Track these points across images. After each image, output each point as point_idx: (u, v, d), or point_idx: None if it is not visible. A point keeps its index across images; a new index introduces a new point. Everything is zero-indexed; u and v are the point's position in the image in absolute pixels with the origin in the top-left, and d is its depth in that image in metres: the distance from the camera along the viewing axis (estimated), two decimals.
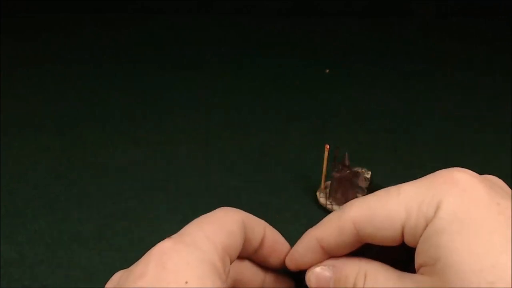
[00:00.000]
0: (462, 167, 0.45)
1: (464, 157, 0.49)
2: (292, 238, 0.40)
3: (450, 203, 0.22)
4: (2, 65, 0.66)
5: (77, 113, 0.56)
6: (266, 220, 0.42)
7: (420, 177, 0.28)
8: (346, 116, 0.56)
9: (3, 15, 0.78)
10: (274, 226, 0.41)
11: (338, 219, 0.26)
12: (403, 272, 0.23)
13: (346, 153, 0.40)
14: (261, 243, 0.27)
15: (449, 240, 0.21)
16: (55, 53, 0.70)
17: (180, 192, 0.44)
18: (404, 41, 0.74)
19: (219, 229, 0.24)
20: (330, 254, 0.27)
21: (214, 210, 0.26)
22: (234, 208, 0.26)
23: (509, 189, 0.24)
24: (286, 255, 0.28)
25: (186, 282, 0.20)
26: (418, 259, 0.22)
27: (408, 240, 0.23)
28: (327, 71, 0.65)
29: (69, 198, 0.44)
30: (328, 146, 0.40)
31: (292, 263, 0.28)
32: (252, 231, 0.26)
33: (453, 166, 0.47)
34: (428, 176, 0.25)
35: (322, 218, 0.41)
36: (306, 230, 0.40)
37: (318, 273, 0.26)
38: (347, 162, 0.41)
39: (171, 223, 0.41)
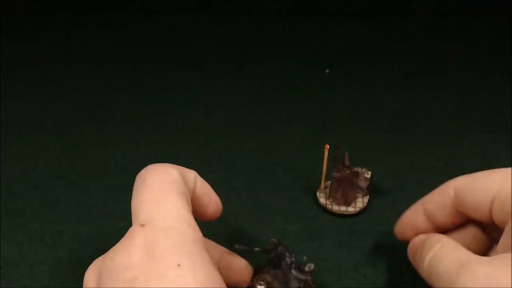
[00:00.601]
0: (462, 167, 0.45)
1: (464, 157, 0.49)
2: (292, 238, 0.40)
3: None
4: (2, 65, 0.66)
5: (77, 113, 0.56)
6: (266, 220, 0.42)
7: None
8: (346, 116, 0.56)
9: (3, 15, 0.78)
10: (274, 226, 0.41)
11: (443, 185, 0.29)
12: (480, 256, 0.24)
13: (346, 153, 0.40)
14: (194, 191, 0.27)
15: None
16: (55, 53, 0.70)
17: None
18: (404, 41, 0.74)
19: (176, 197, 0.24)
20: (431, 220, 0.30)
21: (146, 175, 0.26)
22: (164, 165, 0.26)
23: None
24: (220, 206, 0.29)
25: (179, 265, 0.21)
26: (504, 238, 0.23)
27: (497, 216, 0.25)
28: (327, 71, 0.65)
29: (69, 198, 0.44)
30: (328, 146, 0.40)
31: (399, 229, 0.32)
32: (188, 182, 0.27)
33: (453, 166, 0.47)
34: None
35: (322, 218, 0.42)
36: (306, 230, 0.41)
37: (418, 236, 0.30)
38: (347, 162, 0.41)
39: None
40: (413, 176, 0.47)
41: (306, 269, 0.32)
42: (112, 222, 0.41)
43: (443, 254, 0.25)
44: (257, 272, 0.32)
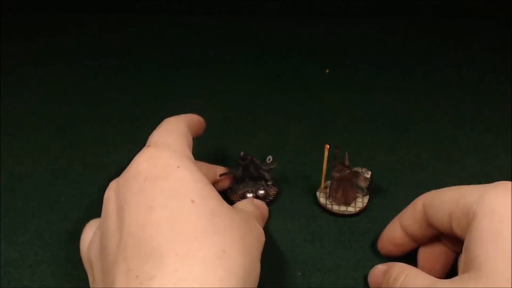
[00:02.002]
0: (462, 167, 0.45)
1: (464, 157, 0.49)
2: (292, 238, 0.40)
3: (494, 203, 0.24)
4: (2, 65, 0.66)
5: (77, 113, 0.56)
6: (266, 220, 0.42)
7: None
8: (346, 116, 0.56)
9: (3, 15, 0.78)
10: (274, 226, 0.41)
11: (415, 201, 0.31)
12: (440, 279, 0.26)
13: (346, 153, 0.40)
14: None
15: (490, 239, 0.22)
16: (55, 53, 0.70)
17: None
18: (404, 41, 0.74)
19: (177, 135, 0.32)
20: (407, 234, 0.32)
21: (162, 123, 0.36)
22: (176, 118, 0.37)
23: None
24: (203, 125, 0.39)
25: (178, 167, 0.27)
26: (464, 255, 0.24)
27: (456, 231, 0.27)
28: (327, 71, 0.65)
29: (69, 198, 0.44)
30: (328, 146, 0.40)
31: (381, 244, 0.35)
32: (192, 127, 0.37)
33: (453, 166, 0.47)
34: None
35: (322, 218, 0.42)
36: (306, 230, 0.41)
37: (377, 267, 0.32)
38: (347, 162, 0.41)
39: None
40: (413, 176, 0.47)
41: (267, 161, 0.42)
42: None
43: (408, 283, 0.27)
44: (235, 189, 0.42)
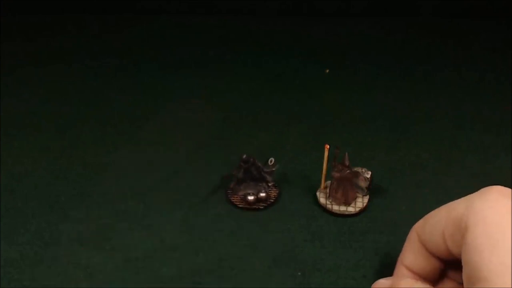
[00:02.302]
0: (462, 167, 0.45)
1: (464, 157, 0.49)
2: (292, 238, 0.40)
3: (481, 215, 0.23)
4: (2, 65, 0.65)
5: (77, 113, 0.56)
6: (265, 219, 0.42)
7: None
8: (346, 116, 0.56)
9: (3, 15, 0.78)
10: (274, 226, 0.41)
11: (409, 234, 0.29)
12: None
13: (346, 153, 0.40)
14: None
15: (482, 252, 0.21)
16: (55, 53, 0.70)
17: (180, 192, 0.44)
18: (404, 41, 0.74)
19: None
20: (416, 275, 0.29)
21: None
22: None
23: None
24: None
25: None
26: (466, 270, 0.23)
27: (453, 250, 0.25)
28: (327, 71, 0.65)
29: (69, 198, 0.44)
30: (328, 146, 0.40)
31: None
32: None
33: (453, 166, 0.47)
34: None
35: (322, 218, 0.42)
36: (306, 230, 0.41)
37: (380, 282, 0.30)
38: (347, 162, 0.41)
39: (171, 223, 0.41)
40: (413, 176, 0.47)
41: (269, 163, 0.42)
42: (112, 222, 0.41)
43: None
44: (236, 190, 0.43)
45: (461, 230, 0.23)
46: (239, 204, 0.42)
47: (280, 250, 0.39)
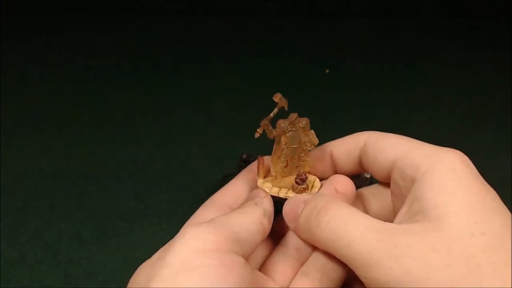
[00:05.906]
0: None
1: None
2: None
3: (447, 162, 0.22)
4: (2, 65, 0.66)
5: (77, 113, 0.56)
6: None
7: None
8: (346, 116, 0.56)
9: (3, 15, 0.78)
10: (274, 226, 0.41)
11: (357, 133, 0.27)
12: (389, 223, 0.21)
13: None
14: None
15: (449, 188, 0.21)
16: (55, 53, 0.70)
17: (180, 191, 0.44)
18: (404, 41, 0.74)
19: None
20: (333, 163, 0.27)
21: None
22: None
23: None
24: None
25: None
26: (413, 205, 0.21)
27: (395, 181, 0.23)
28: (327, 71, 0.65)
29: (69, 198, 0.44)
30: None
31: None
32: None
33: None
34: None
35: None
36: None
37: (297, 195, 0.24)
38: None
39: (170, 223, 0.41)
40: None
41: None
42: (112, 222, 0.41)
43: (347, 217, 0.20)
44: None
45: (419, 170, 0.22)
46: None
47: None
